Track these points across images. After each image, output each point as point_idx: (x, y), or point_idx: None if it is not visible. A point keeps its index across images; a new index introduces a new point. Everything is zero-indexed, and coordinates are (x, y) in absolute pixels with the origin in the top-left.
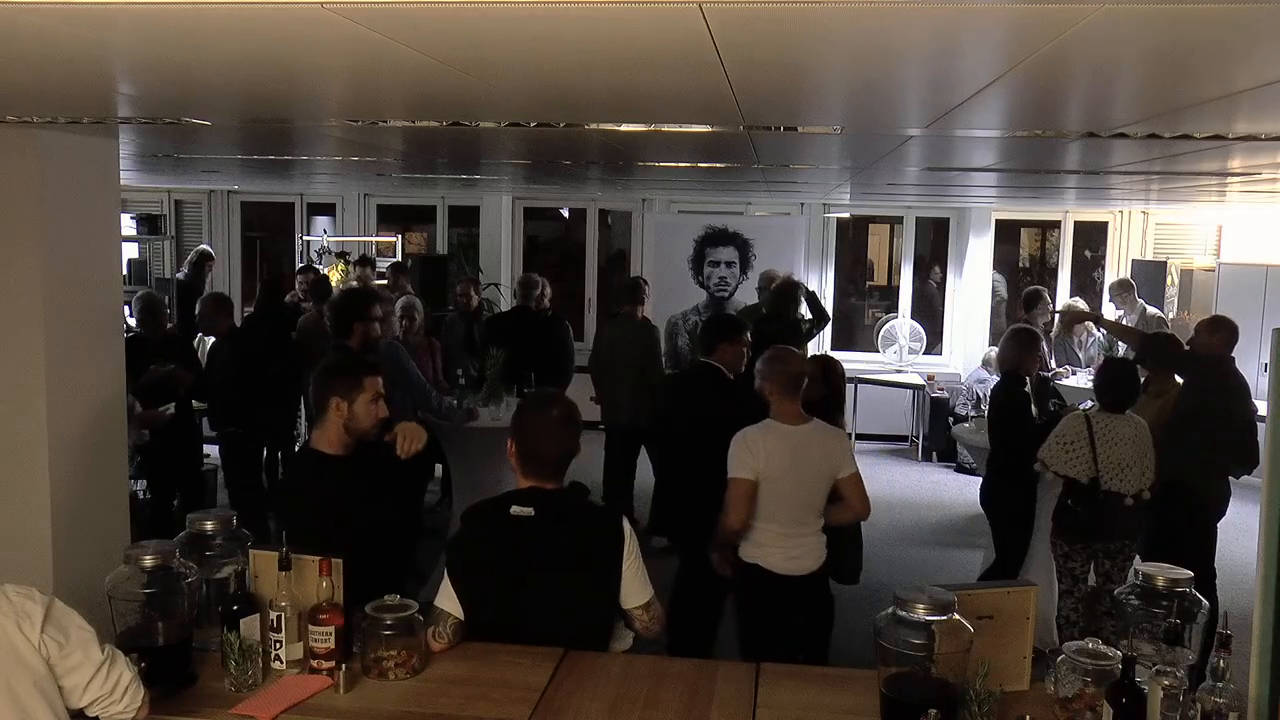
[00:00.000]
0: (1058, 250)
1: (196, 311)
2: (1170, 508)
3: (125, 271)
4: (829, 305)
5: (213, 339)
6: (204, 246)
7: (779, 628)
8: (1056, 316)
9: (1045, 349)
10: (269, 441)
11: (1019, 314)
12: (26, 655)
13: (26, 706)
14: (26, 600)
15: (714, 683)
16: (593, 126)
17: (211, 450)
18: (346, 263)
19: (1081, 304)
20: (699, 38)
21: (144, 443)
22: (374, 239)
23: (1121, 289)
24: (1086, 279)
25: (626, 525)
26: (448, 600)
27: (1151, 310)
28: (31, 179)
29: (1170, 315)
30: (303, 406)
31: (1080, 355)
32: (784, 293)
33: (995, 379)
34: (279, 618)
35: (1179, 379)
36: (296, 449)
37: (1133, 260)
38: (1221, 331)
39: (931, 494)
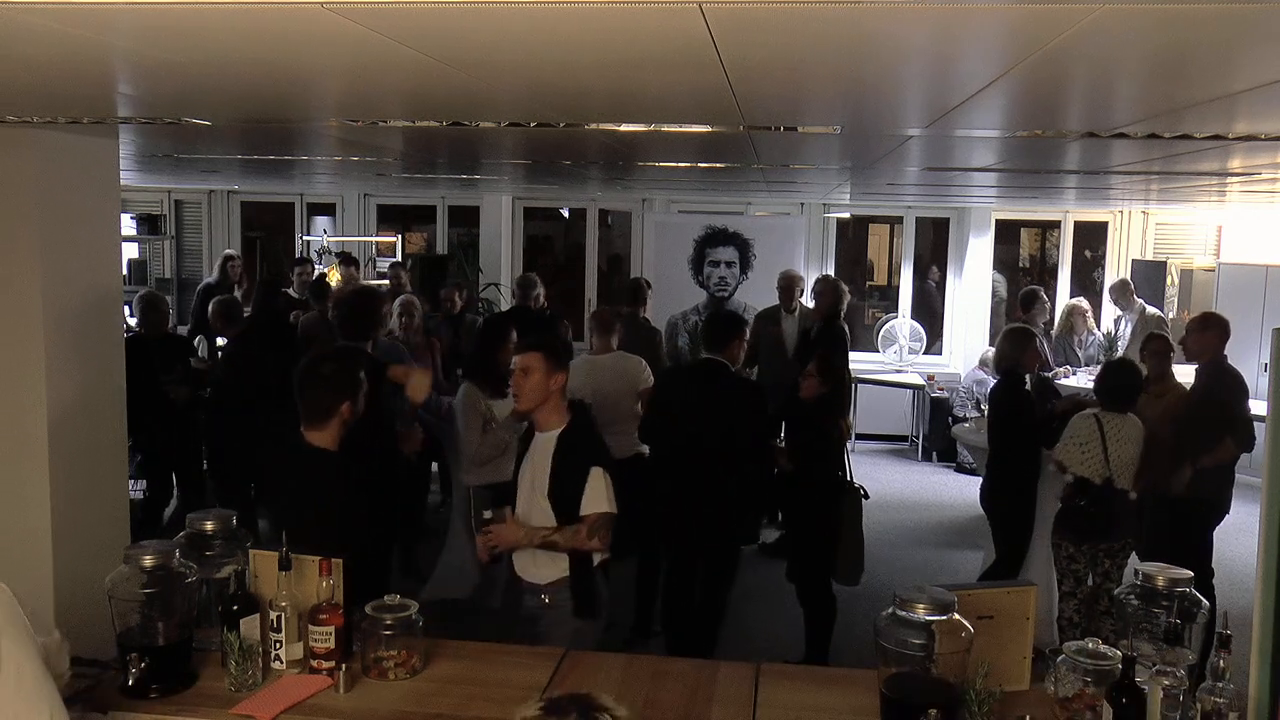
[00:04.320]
0: (1058, 250)
1: (209, 313)
2: (1186, 508)
3: (125, 271)
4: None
5: (219, 339)
6: (228, 250)
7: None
8: (1058, 315)
9: (1044, 347)
10: (267, 441)
11: (1017, 314)
12: (28, 643)
13: (30, 694)
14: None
15: (714, 683)
16: (593, 126)
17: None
18: (340, 262)
19: (1084, 303)
20: (699, 38)
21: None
22: (374, 239)
23: (1122, 289)
24: (1086, 279)
25: None
26: (608, 503)
27: (1151, 310)
28: (31, 179)
29: (1170, 315)
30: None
31: (1080, 355)
32: (830, 293)
33: (993, 379)
34: (279, 618)
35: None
36: (292, 446)
37: (1133, 260)
38: (1212, 329)
39: (931, 494)
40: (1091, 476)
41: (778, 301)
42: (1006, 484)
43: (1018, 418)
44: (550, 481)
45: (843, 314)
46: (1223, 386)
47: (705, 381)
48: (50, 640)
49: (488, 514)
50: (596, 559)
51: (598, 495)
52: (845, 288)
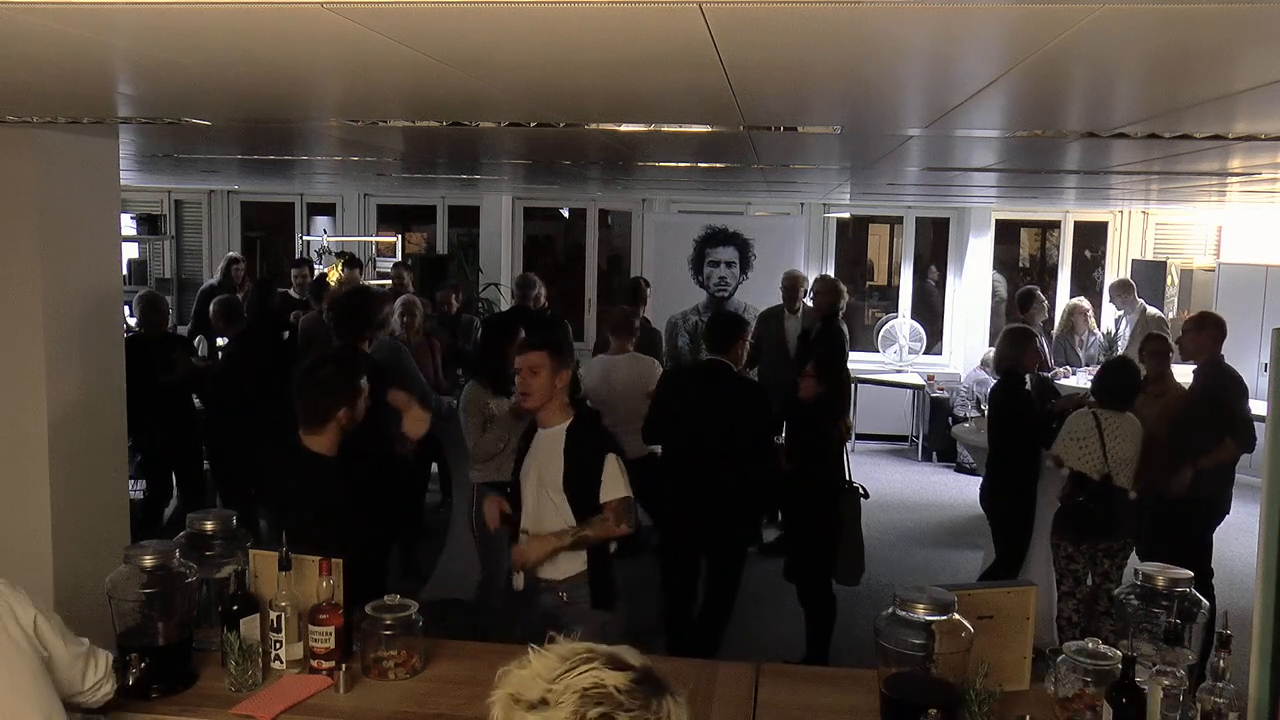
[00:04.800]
0: (1058, 250)
1: (210, 313)
2: (1186, 509)
3: (125, 271)
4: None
5: (220, 339)
6: (231, 254)
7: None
8: (1058, 315)
9: (1044, 347)
10: (266, 442)
11: (1015, 314)
12: (23, 643)
13: (28, 692)
14: (15, 590)
15: (714, 683)
16: (593, 126)
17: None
18: (345, 264)
19: (1085, 303)
20: (699, 38)
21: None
22: (374, 239)
23: (1122, 289)
24: (1087, 279)
25: None
26: (626, 487)
27: (1152, 310)
28: (31, 179)
29: (1170, 315)
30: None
31: (1080, 355)
32: (828, 293)
33: (993, 379)
34: (279, 618)
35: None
36: (289, 450)
37: (1133, 260)
38: (1208, 328)
39: (931, 494)
40: (1089, 472)
41: (781, 301)
42: (1006, 484)
43: (1018, 418)
44: (564, 475)
45: (841, 313)
46: (1220, 387)
47: (708, 382)
48: (78, 648)
49: (526, 533)
50: (612, 547)
51: (616, 481)
52: (844, 287)
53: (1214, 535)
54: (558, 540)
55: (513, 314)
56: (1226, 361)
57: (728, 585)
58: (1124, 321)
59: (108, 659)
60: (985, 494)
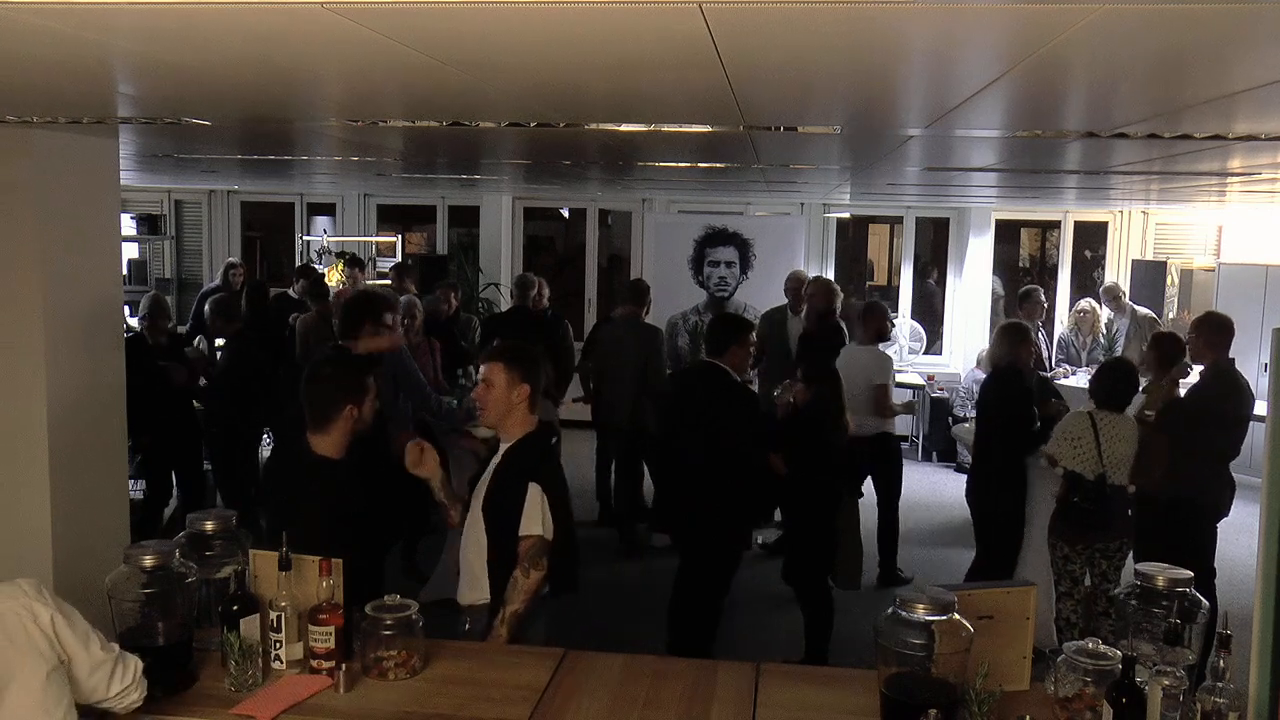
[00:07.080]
0: (1058, 250)
1: (205, 314)
2: (1183, 509)
3: (125, 271)
4: None
5: (218, 340)
6: (230, 259)
7: None
8: (1059, 315)
9: (1043, 344)
10: (260, 442)
11: (1015, 313)
12: (41, 645)
13: (38, 696)
14: (38, 592)
15: (714, 683)
16: (593, 126)
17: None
18: (346, 263)
19: (1088, 305)
20: (699, 38)
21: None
22: (374, 239)
23: (1112, 293)
24: (1087, 279)
25: None
26: (541, 525)
27: (1142, 311)
28: (31, 179)
29: (1170, 315)
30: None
31: (1083, 355)
32: (822, 294)
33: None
34: (279, 618)
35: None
36: (294, 454)
37: (1133, 260)
38: (1204, 332)
39: (931, 494)
40: (1084, 472)
41: (785, 302)
42: (992, 480)
43: (1008, 412)
44: (486, 495)
45: (837, 314)
46: (1219, 390)
47: (698, 386)
48: (105, 654)
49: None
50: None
51: (532, 516)
52: (838, 288)
53: (1215, 535)
54: (502, 630)
55: (508, 316)
56: (1230, 364)
57: (711, 586)
58: (1116, 325)
59: (137, 666)
60: (971, 490)
